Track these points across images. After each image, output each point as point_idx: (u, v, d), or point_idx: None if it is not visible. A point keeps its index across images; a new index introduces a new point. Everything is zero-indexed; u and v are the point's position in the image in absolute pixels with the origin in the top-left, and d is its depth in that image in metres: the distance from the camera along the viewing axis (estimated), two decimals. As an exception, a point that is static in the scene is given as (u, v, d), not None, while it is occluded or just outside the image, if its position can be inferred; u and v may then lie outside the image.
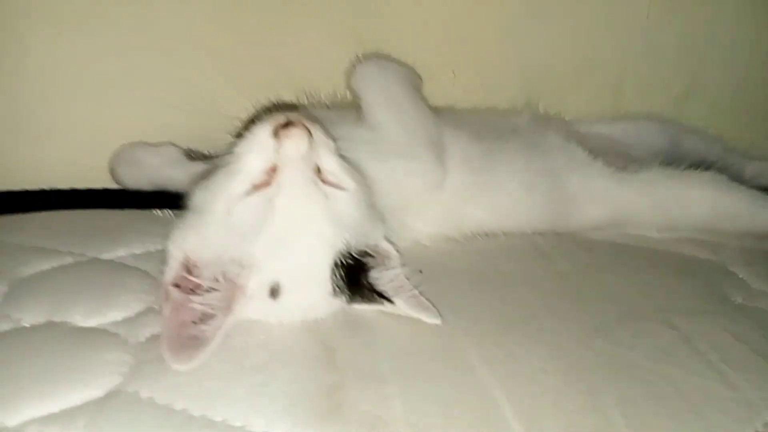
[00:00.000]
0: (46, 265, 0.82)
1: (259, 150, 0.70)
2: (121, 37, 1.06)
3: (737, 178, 1.11)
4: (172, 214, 0.98)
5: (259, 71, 1.10)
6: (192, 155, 1.06)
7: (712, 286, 0.93)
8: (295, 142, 0.69)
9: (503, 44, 1.18)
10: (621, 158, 1.12)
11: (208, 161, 1.00)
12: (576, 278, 0.91)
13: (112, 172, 1.07)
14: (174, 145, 1.07)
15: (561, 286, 0.89)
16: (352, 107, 0.98)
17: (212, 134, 0.99)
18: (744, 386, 0.71)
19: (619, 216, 1.06)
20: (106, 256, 0.86)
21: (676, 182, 1.05)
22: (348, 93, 1.04)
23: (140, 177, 1.06)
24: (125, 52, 1.07)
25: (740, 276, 0.96)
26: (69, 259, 0.84)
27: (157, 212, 1.00)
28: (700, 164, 1.11)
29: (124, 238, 0.90)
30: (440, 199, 0.94)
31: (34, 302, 0.74)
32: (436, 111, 1.03)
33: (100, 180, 1.09)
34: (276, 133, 0.69)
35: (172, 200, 1.02)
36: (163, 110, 1.10)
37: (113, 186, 1.09)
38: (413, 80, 1.03)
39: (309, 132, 0.70)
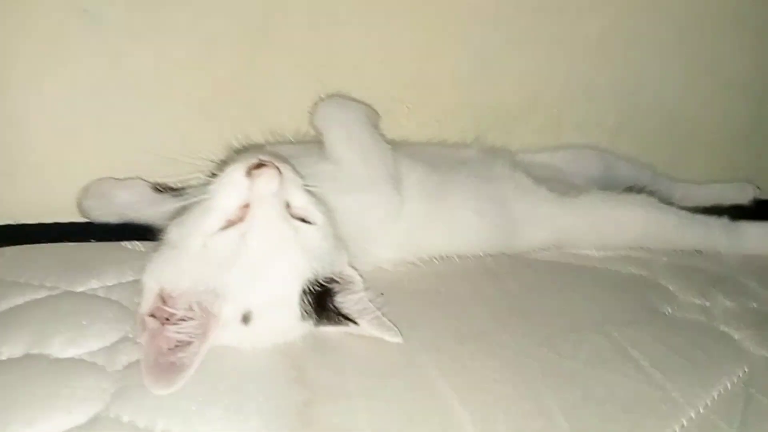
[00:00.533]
0: (20, 299, 0.85)
1: (233, 188, 0.76)
2: (92, 76, 1.10)
3: (667, 200, 1.23)
4: (141, 246, 1.03)
5: (227, 110, 1.16)
6: (159, 188, 1.10)
7: (644, 299, 1.02)
8: (266, 180, 0.75)
9: (455, 83, 1.28)
10: (562, 184, 1.22)
11: (176, 194, 1.05)
12: (523, 296, 1.00)
13: (80, 206, 1.10)
14: (141, 179, 1.11)
15: (510, 304, 0.97)
16: (315, 143, 1.05)
17: (180, 170, 1.03)
18: (670, 387, 0.79)
19: (561, 237, 1.15)
20: (80, 288, 0.89)
21: (612, 205, 1.15)
22: (311, 130, 1.11)
23: (108, 211, 1.09)
24: (97, 90, 1.11)
25: (670, 289, 1.06)
26: (43, 293, 0.87)
27: (127, 244, 1.04)
28: (633, 188, 1.23)
29: (96, 270, 0.93)
30: (399, 227, 1.01)
31: (11, 336, 0.76)
32: (393, 144, 1.10)
33: (68, 215, 1.13)
34: (249, 173, 0.75)
35: (138, 233, 1.08)
36: (132, 147, 1.15)
37: (81, 220, 1.13)
38: (371, 117, 1.11)
39: (279, 171, 0.76)
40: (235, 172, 0.76)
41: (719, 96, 1.43)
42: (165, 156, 0.91)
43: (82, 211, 1.10)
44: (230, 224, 0.75)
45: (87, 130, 1.13)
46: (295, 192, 0.79)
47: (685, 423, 0.75)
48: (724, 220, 1.21)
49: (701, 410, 0.77)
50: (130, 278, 0.93)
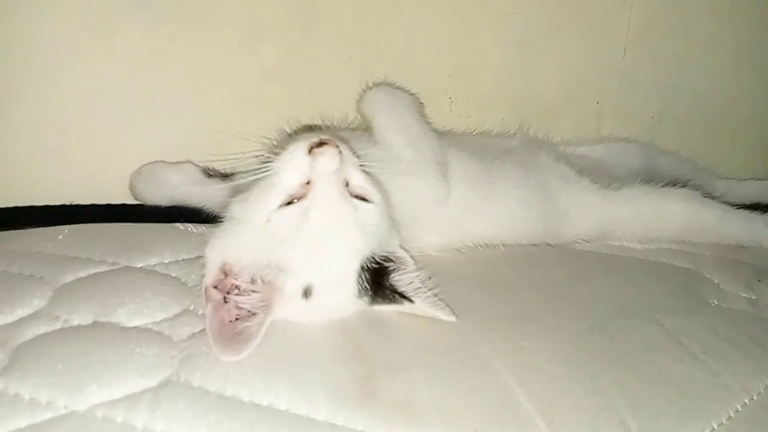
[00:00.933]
0: (83, 272, 0.88)
1: (295, 166, 0.78)
2: (142, 60, 1.13)
3: (708, 196, 1.22)
4: (193, 228, 1.06)
5: (274, 96, 1.18)
6: (210, 173, 1.13)
7: (690, 289, 1.03)
8: (327, 159, 0.77)
9: (496, 74, 1.29)
10: (604, 176, 1.22)
11: (226, 179, 1.07)
12: (570, 283, 1.00)
13: (133, 189, 1.13)
14: (192, 163, 1.14)
15: (557, 290, 0.98)
16: (362, 130, 1.07)
17: (230, 152, 1.06)
18: (723, 373, 0.80)
19: (604, 228, 1.15)
20: (138, 264, 0.92)
21: (655, 197, 1.15)
22: (357, 117, 1.13)
23: (160, 194, 1.13)
24: (146, 74, 1.14)
25: (715, 281, 1.06)
26: (104, 267, 0.90)
27: (179, 226, 1.07)
28: (675, 183, 1.22)
29: (152, 249, 0.96)
30: (445, 213, 1.03)
31: (79, 305, 0.79)
32: (438, 133, 1.12)
33: (119, 197, 1.16)
34: (311, 151, 0.77)
35: (186, 216, 1.11)
36: (182, 131, 1.18)
37: (133, 202, 1.16)
38: (417, 105, 1.13)
39: (339, 150, 0.78)
40: (298, 150, 0.78)
41: (760, 90, 1.42)
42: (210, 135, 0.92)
43: (134, 193, 1.14)
44: (292, 200, 0.77)
45: (137, 114, 1.17)
46: (353, 171, 0.81)
47: (739, 408, 0.75)
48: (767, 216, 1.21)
49: (755, 397, 0.77)
50: (185, 256, 0.96)
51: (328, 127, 1.06)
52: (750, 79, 1.41)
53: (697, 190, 1.21)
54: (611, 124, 1.38)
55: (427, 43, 1.24)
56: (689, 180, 1.26)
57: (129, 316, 0.78)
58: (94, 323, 0.77)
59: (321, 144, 0.77)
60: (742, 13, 1.34)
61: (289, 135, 0.95)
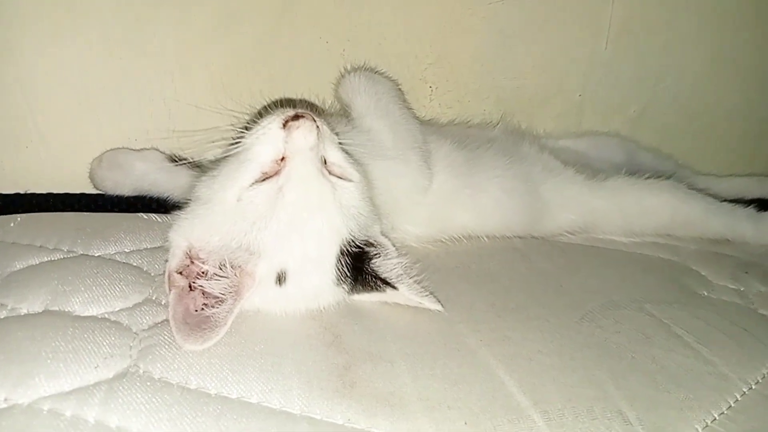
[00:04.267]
0: (35, 260, 0.80)
1: (268, 140, 0.72)
2: (109, 41, 1.06)
3: (693, 188, 1.20)
4: (158, 218, 0.99)
5: (248, 81, 1.12)
6: (176, 159, 1.06)
7: (678, 281, 1.00)
8: (304, 133, 0.71)
9: (477, 65, 1.26)
10: (587, 170, 1.19)
11: (194, 167, 1.01)
12: (556, 275, 0.96)
13: (93, 177, 1.06)
14: (158, 150, 1.07)
15: (544, 282, 0.94)
16: (340, 115, 1.02)
17: (195, 143, 1.00)
18: (719, 363, 0.76)
19: (588, 220, 1.12)
20: (97, 252, 0.85)
21: (639, 189, 1.13)
22: (335, 103, 1.08)
23: (122, 182, 1.06)
24: (113, 57, 1.07)
25: (702, 273, 1.03)
26: (59, 255, 0.82)
27: (143, 215, 1.00)
28: (658, 176, 1.20)
29: (112, 237, 0.89)
30: (427, 201, 0.98)
31: (29, 293, 0.72)
32: (419, 122, 1.08)
33: (79, 186, 1.08)
34: (285, 125, 0.72)
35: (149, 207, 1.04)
36: (148, 118, 1.11)
37: (93, 191, 1.09)
38: (397, 91, 1.08)
39: (317, 125, 0.73)
40: (272, 124, 0.73)
41: (740, 88, 1.42)
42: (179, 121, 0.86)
43: (95, 181, 1.06)
44: (265, 177, 0.71)
45: (101, 98, 1.09)
46: (331, 148, 0.76)
47: (738, 397, 0.71)
48: (751, 210, 1.19)
49: (753, 386, 0.74)
50: (148, 245, 0.90)
51: (306, 102, 1.01)
52: (730, 75, 1.40)
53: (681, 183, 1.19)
54: (593, 117, 1.36)
55: (407, 30, 1.20)
56: (670, 176, 1.24)
57: (84, 305, 0.71)
58: (45, 312, 0.69)
59: (297, 117, 0.72)
60: (723, 11, 1.33)
61: (263, 111, 0.89)
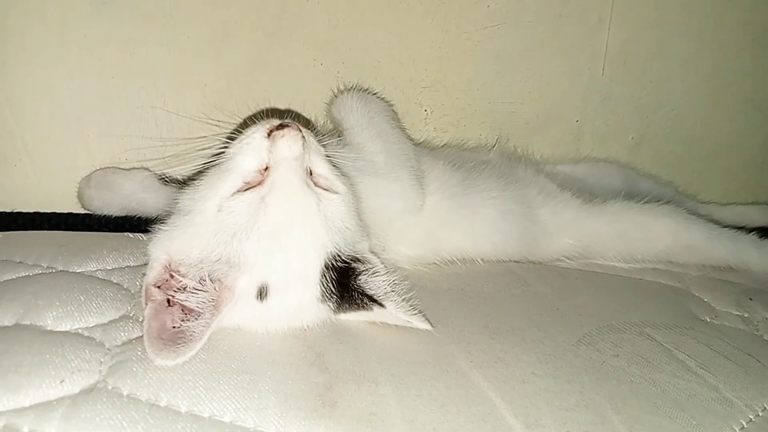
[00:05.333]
0: (11, 275, 0.78)
1: (252, 150, 0.70)
2: (100, 61, 1.06)
3: (694, 213, 1.17)
4: (144, 237, 0.96)
5: (240, 102, 1.10)
6: (166, 180, 1.05)
7: (680, 306, 0.96)
8: (288, 142, 0.69)
9: (473, 89, 1.25)
10: (585, 195, 1.17)
11: (183, 186, 0.99)
12: (553, 298, 0.93)
13: (81, 197, 1.04)
14: (147, 169, 1.06)
15: (540, 305, 0.90)
16: (333, 134, 1.01)
17: (186, 162, 0.98)
18: (724, 388, 0.72)
19: (587, 245, 1.09)
20: (77, 269, 0.82)
21: (640, 213, 1.10)
22: (328, 123, 1.07)
23: (111, 202, 1.04)
24: (104, 76, 1.07)
25: (705, 299, 1.00)
26: (37, 270, 0.80)
27: (129, 235, 0.98)
28: (658, 201, 1.18)
29: (95, 255, 0.86)
30: (420, 222, 0.96)
31: (0, 306, 0.69)
32: (413, 143, 1.06)
33: (66, 205, 1.06)
34: (270, 134, 0.70)
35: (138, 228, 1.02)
36: (139, 138, 1.10)
37: (80, 211, 1.07)
38: (391, 111, 1.07)
39: (302, 135, 0.71)
40: (256, 133, 0.71)
41: (740, 115, 1.41)
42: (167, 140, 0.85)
43: (83, 201, 1.05)
44: (248, 187, 0.69)
45: (91, 118, 1.08)
46: (317, 159, 0.73)
47: (744, 424, 0.67)
48: (754, 237, 1.16)
49: (760, 413, 0.70)
50: (131, 263, 0.87)
51: (292, 113, 0.99)
52: (729, 102, 1.39)
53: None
54: (591, 143, 1.35)
55: (402, 53, 1.20)
56: (670, 202, 1.22)
57: (57, 320, 0.68)
58: (15, 325, 0.66)
59: (282, 127, 0.70)
60: (721, 36, 1.33)
61: (248, 121, 0.88)
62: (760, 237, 1.17)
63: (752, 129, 1.42)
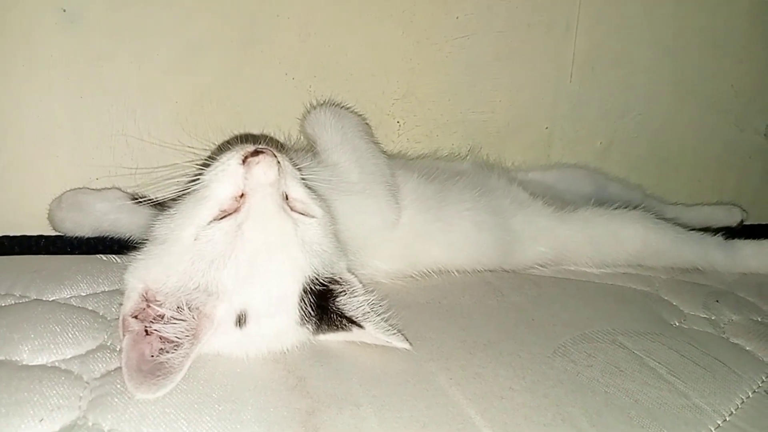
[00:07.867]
0: (-18, 306, 0.77)
1: (227, 177, 0.70)
2: (69, 79, 1.04)
3: (661, 218, 1.21)
4: (117, 259, 0.96)
5: (211, 117, 1.11)
6: (138, 199, 1.03)
7: (650, 311, 0.99)
8: (264, 169, 0.69)
9: (445, 100, 1.26)
10: (556, 201, 1.19)
11: (155, 205, 0.98)
12: (528, 308, 0.95)
13: (52, 219, 1.03)
14: (119, 189, 1.05)
15: (515, 316, 0.92)
16: (306, 150, 1.01)
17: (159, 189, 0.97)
18: (693, 395, 0.75)
19: (559, 252, 1.11)
20: (51, 297, 0.81)
21: (609, 219, 1.13)
22: (300, 138, 1.07)
23: (82, 223, 1.02)
24: (73, 94, 1.05)
25: (673, 303, 1.03)
26: (10, 300, 0.79)
27: (102, 257, 0.97)
28: (626, 207, 1.21)
29: (68, 280, 0.86)
30: (396, 237, 0.97)
31: (-27, 342, 0.68)
32: (387, 156, 1.07)
33: (37, 227, 1.05)
34: (245, 161, 0.70)
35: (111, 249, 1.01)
36: (110, 157, 1.08)
37: (51, 233, 1.05)
38: (364, 126, 1.08)
39: (278, 160, 0.71)
40: (231, 160, 0.71)
41: (703, 119, 1.45)
42: (152, 160, 0.84)
43: (53, 223, 1.03)
44: (224, 215, 0.69)
45: (60, 137, 1.07)
46: (293, 184, 0.74)
47: (713, 430, 0.70)
48: (719, 239, 1.20)
49: (728, 418, 0.72)
50: (106, 288, 0.87)
51: (266, 138, 0.99)
52: (692, 105, 1.43)
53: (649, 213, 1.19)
54: (561, 149, 1.37)
55: (374, 66, 1.20)
56: (639, 205, 1.25)
57: (33, 354, 0.68)
58: (-11, 362, 0.65)
59: (257, 153, 0.70)
60: (682, 42, 1.37)
61: (222, 146, 0.88)
62: (726, 238, 1.21)
63: (714, 131, 1.46)
